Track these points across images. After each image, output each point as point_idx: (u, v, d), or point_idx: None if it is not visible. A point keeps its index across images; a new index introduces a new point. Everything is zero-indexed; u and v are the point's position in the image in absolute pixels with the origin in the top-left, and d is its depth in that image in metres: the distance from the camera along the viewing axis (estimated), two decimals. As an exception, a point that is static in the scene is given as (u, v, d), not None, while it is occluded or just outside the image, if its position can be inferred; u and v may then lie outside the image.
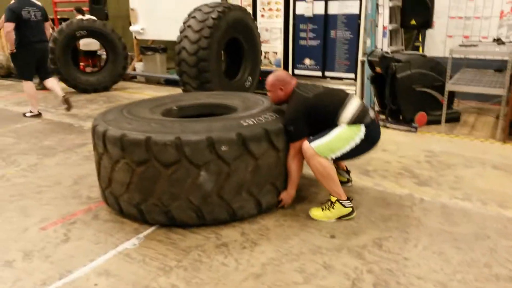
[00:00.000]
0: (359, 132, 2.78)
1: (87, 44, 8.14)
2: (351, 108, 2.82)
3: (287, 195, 3.01)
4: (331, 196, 2.89)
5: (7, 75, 9.34)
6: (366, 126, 2.80)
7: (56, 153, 4.32)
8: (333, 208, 2.87)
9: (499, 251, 2.50)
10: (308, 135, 2.89)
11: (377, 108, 5.51)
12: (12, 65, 9.09)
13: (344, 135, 2.79)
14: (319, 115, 2.86)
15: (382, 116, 5.22)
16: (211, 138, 2.63)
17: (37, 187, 3.50)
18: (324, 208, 2.90)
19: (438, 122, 4.97)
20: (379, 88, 5.23)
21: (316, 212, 2.92)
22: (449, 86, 4.76)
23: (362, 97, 6.04)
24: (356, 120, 2.79)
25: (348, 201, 2.89)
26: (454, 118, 5.18)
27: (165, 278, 2.28)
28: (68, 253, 2.54)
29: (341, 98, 2.89)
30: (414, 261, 2.41)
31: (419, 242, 2.61)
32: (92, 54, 8.60)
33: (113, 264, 2.42)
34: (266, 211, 2.97)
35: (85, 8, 8.32)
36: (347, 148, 2.79)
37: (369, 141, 2.86)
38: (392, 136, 4.70)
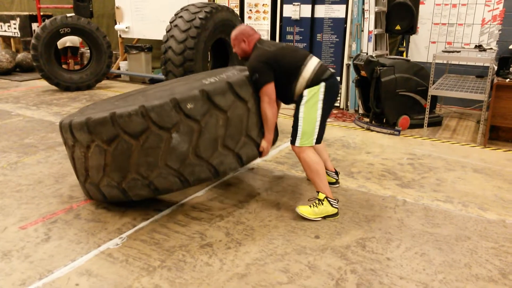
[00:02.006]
0: (319, 92, 2.88)
1: (63, 42, 8.05)
2: (312, 65, 2.92)
3: (265, 142, 3.03)
4: (320, 194, 2.92)
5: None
6: (325, 81, 2.89)
7: (37, 151, 4.24)
8: (322, 205, 2.89)
9: (479, 252, 2.55)
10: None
11: (361, 111, 5.57)
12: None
13: (308, 110, 2.88)
14: (281, 67, 2.92)
15: (366, 119, 5.28)
16: (175, 99, 2.64)
17: (17, 186, 3.42)
18: (312, 205, 2.92)
19: (420, 126, 5.06)
20: (363, 91, 5.29)
21: (303, 209, 2.92)
22: (432, 91, 4.84)
23: (347, 99, 6.10)
24: (315, 76, 2.88)
25: (335, 201, 2.93)
26: (436, 122, 5.27)
27: (148, 278, 2.26)
28: (48, 252, 2.49)
29: (303, 55, 2.97)
30: (397, 261, 2.44)
31: (401, 243, 2.64)
32: (72, 51, 8.46)
33: (95, 264, 2.38)
34: (248, 165, 3.01)
35: (69, 5, 8.20)
36: (318, 118, 2.90)
37: (331, 95, 2.95)
38: (375, 139, 4.75)
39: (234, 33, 3.10)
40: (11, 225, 2.80)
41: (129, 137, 2.65)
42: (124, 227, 2.79)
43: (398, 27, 5.75)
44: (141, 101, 2.74)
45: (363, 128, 5.17)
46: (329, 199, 2.90)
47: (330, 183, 3.18)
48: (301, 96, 2.92)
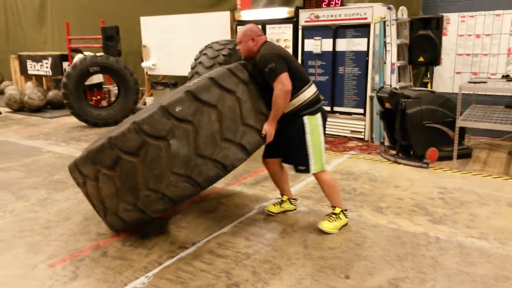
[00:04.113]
0: (317, 119, 3.09)
1: (89, 79, 8.31)
2: (313, 89, 3.13)
3: (267, 125, 3.00)
4: (336, 208, 3.20)
5: (19, 109, 9.51)
6: (320, 108, 3.13)
7: (66, 188, 4.32)
8: (340, 219, 3.19)
9: (521, 294, 2.40)
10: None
11: (387, 143, 5.49)
12: (25, 99, 9.31)
13: (313, 138, 3.06)
14: (290, 69, 2.97)
15: (393, 152, 5.20)
16: (162, 106, 2.68)
17: (46, 222, 3.48)
18: (331, 219, 3.18)
19: (449, 158, 4.93)
20: (388, 123, 5.23)
21: (326, 225, 3.15)
22: (460, 122, 4.74)
23: (371, 131, 6.04)
24: (314, 101, 3.08)
25: (346, 211, 3.28)
26: (465, 154, 5.13)
27: (175, 320, 2.21)
28: (76, 292, 2.48)
29: (307, 75, 3.16)
30: (433, 304, 2.32)
31: (436, 283, 2.52)
32: (97, 87, 8.70)
33: (122, 304, 2.36)
34: (253, 153, 2.97)
35: (98, 45, 8.56)
36: (322, 139, 3.12)
37: (324, 122, 3.17)
38: (403, 172, 4.65)
39: (243, 30, 3.13)
40: (40, 262, 2.83)
41: (130, 155, 2.69)
42: (150, 265, 2.77)
43: (421, 59, 5.73)
44: (131, 120, 2.82)
45: (390, 160, 5.08)
46: (343, 211, 3.22)
47: (289, 211, 3.55)
48: (297, 121, 3.06)
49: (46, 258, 2.88)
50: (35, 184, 4.47)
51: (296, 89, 3.01)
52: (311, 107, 3.08)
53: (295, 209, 3.60)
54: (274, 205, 3.55)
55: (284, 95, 2.92)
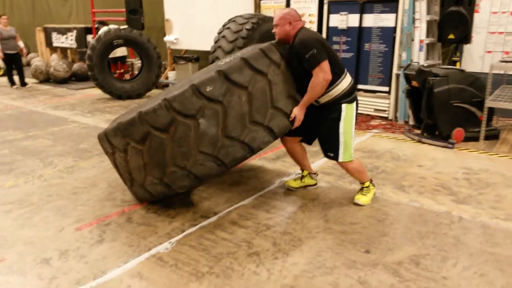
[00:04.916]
0: (353, 108, 3.07)
1: (113, 52, 8.34)
2: (349, 78, 3.08)
3: (297, 109, 2.98)
4: (366, 182, 3.27)
5: (45, 80, 9.70)
6: (356, 98, 3.12)
7: (91, 156, 4.43)
8: (370, 191, 3.28)
9: (546, 275, 2.36)
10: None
11: (411, 122, 5.38)
12: (50, 70, 9.48)
13: (346, 126, 3.04)
14: (329, 57, 2.92)
15: (417, 131, 5.10)
16: (193, 85, 2.67)
17: (73, 188, 3.58)
18: (364, 193, 3.26)
19: (476, 139, 4.81)
20: (414, 102, 5.12)
21: (363, 199, 3.23)
22: (489, 103, 4.60)
23: (396, 110, 5.93)
24: (350, 91, 3.05)
25: (372, 181, 3.37)
26: (493, 136, 4.99)
27: (197, 284, 2.27)
28: (102, 254, 2.57)
29: (342, 65, 3.09)
30: (454, 281, 2.31)
31: (458, 262, 2.50)
32: (121, 61, 8.75)
33: (146, 267, 2.43)
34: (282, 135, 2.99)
35: (122, 18, 8.58)
36: (353, 129, 3.11)
37: (357, 111, 3.17)
38: (427, 152, 4.57)
39: (281, 13, 3.03)
40: (67, 225, 2.93)
41: (159, 131, 2.72)
42: (173, 232, 2.83)
43: (451, 36, 5.53)
44: (162, 95, 2.84)
45: (414, 140, 4.99)
46: (371, 182, 3.31)
47: (311, 185, 3.57)
48: (335, 109, 3.02)
49: (73, 222, 2.98)
50: (62, 152, 4.59)
51: (334, 78, 2.95)
52: (348, 96, 3.04)
53: (315, 184, 3.59)
54: (294, 180, 3.56)
55: (324, 83, 2.89)
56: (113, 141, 2.98)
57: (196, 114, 2.68)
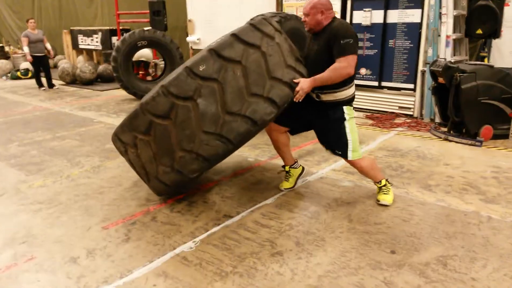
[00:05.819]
0: (352, 111, 3.10)
1: (138, 55, 8.49)
2: (354, 87, 3.09)
3: (305, 83, 2.87)
4: (382, 181, 3.21)
5: (72, 82, 9.95)
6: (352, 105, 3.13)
7: (117, 156, 4.50)
8: (389, 189, 3.23)
9: None
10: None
11: (437, 119, 5.26)
12: (77, 72, 9.71)
13: (351, 125, 3.04)
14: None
15: (444, 129, 4.98)
16: (186, 67, 2.71)
17: (99, 188, 3.67)
18: (386, 191, 3.21)
19: (505, 136, 4.66)
20: (441, 99, 4.99)
21: (387, 198, 3.19)
22: (520, 99, 4.45)
23: (421, 108, 5.81)
24: (352, 99, 3.07)
25: (388, 179, 3.29)
26: (523, 133, 4.82)
27: (221, 284, 2.28)
28: (128, 252, 2.62)
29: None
30: (484, 283, 2.25)
31: (488, 263, 2.43)
32: (145, 65, 8.94)
33: (171, 266, 2.47)
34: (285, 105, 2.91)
35: (145, 20, 8.71)
36: (356, 129, 3.12)
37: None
38: (454, 150, 4.45)
39: (311, 2, 2.93)
40: (94, 224, 3.00)
41: (161, 119, 2.77)
42: (197, 231, 2.86)
43: (479, 31, 5.38)
44: (159, 84, 2.87)
45: (440, 138, 4.88)
46: (387, 180, 3.24)
47: (300, 174, 3.55)
48: (337, 109, 3.02)
49: (100, 221, 3.05)
50: (88, 152, 4.70)
51: (348, 80, 2.94)
52: (348, 103, 3.06)
53: (303, 169, 3.57)
54: (286, 181, 3.53)
55: (345, 74, 2.85)
56: (122, 138, 3.07)
57: (193, 95, 2.72)
